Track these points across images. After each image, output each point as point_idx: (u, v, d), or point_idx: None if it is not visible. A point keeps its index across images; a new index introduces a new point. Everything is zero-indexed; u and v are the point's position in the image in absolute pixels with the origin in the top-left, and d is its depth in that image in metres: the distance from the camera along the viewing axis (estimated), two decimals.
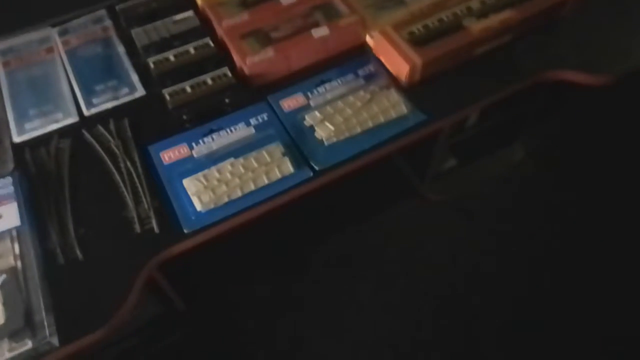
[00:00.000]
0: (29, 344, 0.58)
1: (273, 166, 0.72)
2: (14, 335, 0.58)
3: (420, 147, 1.16)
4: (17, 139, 0.76)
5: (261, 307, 1.11)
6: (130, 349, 1.00)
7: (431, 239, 1.19)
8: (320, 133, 0.75)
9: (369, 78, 0.81)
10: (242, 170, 0.72)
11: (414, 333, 1.07)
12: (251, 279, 1.15)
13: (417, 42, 0.79)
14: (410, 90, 0.79)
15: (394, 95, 0.78)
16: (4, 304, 0.59)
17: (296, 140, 0.76)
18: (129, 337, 1.00)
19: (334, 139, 0.75)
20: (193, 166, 0.73)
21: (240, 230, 0.92)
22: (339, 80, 0.81)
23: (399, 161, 1.30)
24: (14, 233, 0.65)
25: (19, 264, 0.63)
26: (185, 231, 0.68)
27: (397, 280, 1.14)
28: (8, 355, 0.57)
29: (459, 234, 1.20)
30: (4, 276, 0.61)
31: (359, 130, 0.75)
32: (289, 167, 0.72)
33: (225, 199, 0.70)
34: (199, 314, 1.11)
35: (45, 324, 0.59)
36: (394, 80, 0.80)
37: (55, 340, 0.59)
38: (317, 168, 0.73)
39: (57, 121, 0.77)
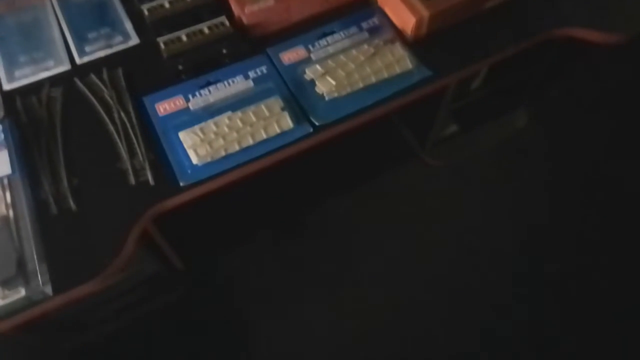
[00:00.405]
0: (22, 292, 0.57)
1: (272, 121, 0.70)
2: (7, 283, 0.57)
3: (421, 111, 1.15)
4: (6, 86, 0.73)
5: (259, 266, 1.11)
6: (127, 306, 1.01)
7: (429, 203, 1.19)
8: (321, 88, 0.73)
9: (373, 31, 0.78)
10: (240, 124, 0.70)
11: (411, 294, 1.07)
12: (249, 238, 1.14)
13: None
14: (416, 45, 0.76)
15: (399, 50, 0.75)
16: None
17: (296, 95, 0.73)
18: (126, 295, 1.00)
19: (335, 94, 0.72)
20: (189, 119, 0.71)
21: (237, 188, 0.91)
22: (341, 33, 0.78)
23: (400, 125, 1.28)
24: (5, 181, 0.64)
25: (10, 212, 0.62)
26: (181, 184, 0.66)
27: (393, 243, 1.13)
28: (1, 302, 0.57)
29: (457, 199, 1.19)
30: None
31: (361, 85, 0.73)
32: (288, 122, 0.70)
33: (223, 153, 0.68)
34: (197, 273, 1.11)
35: (39, 272, 0.59)
36: (399, 34, 0.77)
37: (48, 289, 0.58)
38: (317, 123, 0.71)
39: (48, 69, 0.74)
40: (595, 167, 1.23)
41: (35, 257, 0.59)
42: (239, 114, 0.70)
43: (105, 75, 0.74)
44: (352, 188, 1.19)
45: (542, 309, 1.06)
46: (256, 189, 1.12)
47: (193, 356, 1.01)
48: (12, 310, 0.58)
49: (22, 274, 0.58)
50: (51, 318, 0.92)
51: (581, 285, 1.08)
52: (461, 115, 1.17)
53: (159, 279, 1.05)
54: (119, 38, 0.77)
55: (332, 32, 0.78)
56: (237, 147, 0.69)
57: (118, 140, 0.69)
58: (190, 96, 0.72)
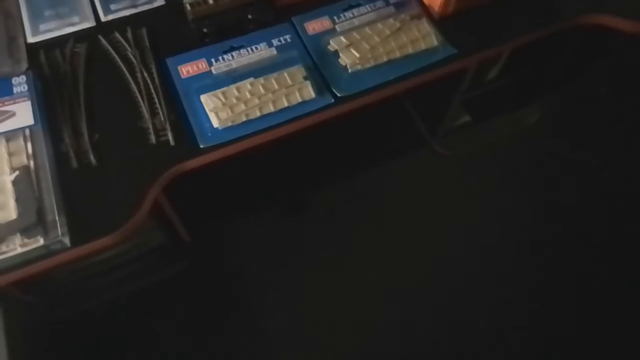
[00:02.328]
0: (40, 241, 0.57)
1: (294, 89, 0.70)
2: (26, 230, 0.57)
3: (435, 99, 1.15)
4: (31, 39, 0.73)
5: (264, 243, 1.11)
6: (131, 275, 1.01)
7: (436, 191, 1.18)
8: (344, 59, 0.73)
9: (400, 6, 0.77)
10: (262, 90, 0.70)
11: (413, 281, 1.08)
12: (256, 214, 1.15)
13: None
14: (442, 22, 0.76)
15: (425, 26, 0.75)
16: (17, 200, 0.58)
17: (319, 65, 0.73)
18: (131, 264, 1.00)
19: (359, 67, 0.72)
20: (211, 82, 0.71)
21: (250, 161, 0.91)
22: (367, 6, 0.77)
23: (413, 113, 1.27)
24: (27, 132, 0.64)
25: (31, 163, 0.62)
26: (202, 146, 0.66)
27: (397, 229, 1.13)
28: (20, 250, 0.57)
29: (465, 190, 1.19)
30: (17, 173, 0.60)
31: (385, 59, 0.73)
32: (310, 92, 0.70)
33: (243, 118, 0.68)
34: (202, 245, 1.11)
35: (58, 223, 0.59)
36: (425, 10, 0.77)
37: (67, 240, 0.59)
38: (338, 95, 0.71)
39: (73, 24, 0.74)
40: (605, 167, 1.22)
41: (54, 208, 0.60)
42: (261, 80, 0.70)
43: (129, 34, 0.74)
44: (361, 171, 1.19)
45: (545, 301, 1.07)
46: (267, 163, 1.13)
47: (195, 327, 1.02)
48: (30, 258, 0.58)
49: (41, 223, 0.59)
50: (54, 281, 0.93)
51: (585, 281, 1.09)
52: (474, 106, 1.16)
53: (164, 251, 1.06)
54: None
55: (358, 5, 0.77)
56: (258, 113, 0.69)
57: (140, 99, 0.69)
58: (213, 60, 0.72)
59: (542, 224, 1.16)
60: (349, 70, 0.72)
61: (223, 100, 0.69)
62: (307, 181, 1.20)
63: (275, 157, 1.11)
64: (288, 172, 1.18)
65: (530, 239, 1.13)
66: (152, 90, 0.69)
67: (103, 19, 0.75)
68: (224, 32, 0.74)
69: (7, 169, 0.61)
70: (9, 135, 0.63)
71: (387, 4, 0.78)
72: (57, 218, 0.59)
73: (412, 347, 1.01)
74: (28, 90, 0.66)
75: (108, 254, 0.94)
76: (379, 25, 0.75)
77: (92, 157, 0.64)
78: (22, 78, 0.67)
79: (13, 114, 0.64)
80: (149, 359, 0.99)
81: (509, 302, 1.06)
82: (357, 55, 0.72)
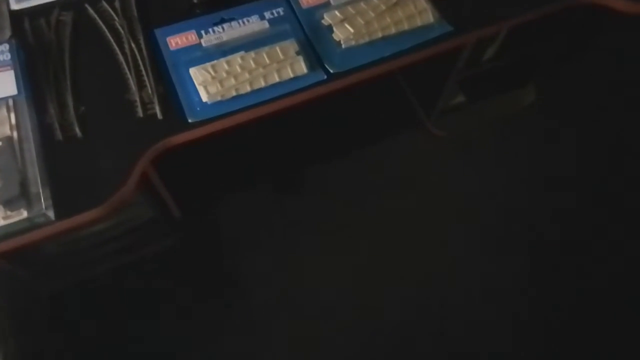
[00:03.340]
0: (24, 214, 0.57)
1: (285, 64, 0.68)
2: (9, 203, 0.56)
3: (430, 79, 1.13)
4: (15, 6, 0.71)
5: (256, 217, 1.11)
6: (120, 250, 1.01)
7: (429, 171, 1.18)
8: (338, 34, 0.71)
9: None
10: (252, 64, 0.68)
11: (407, 254, 1.08)
12: (248, 188, 1.14)
13: None
14: None
15: (422, 2, 0.73)
16: None
17: (312, 40, 0.71)
18: (120, 239, 0.99)
19: (352, 42, 0.71)
20: (201, 55, 0.69)
21: (241, 136, 0.89)
22: None
23: (407, 92, 1.26)
24: (10, 102, 0.62)
25: (15, 134, 0.61)
26: (190, 121, 0.65)
27: (390, 208, 1.13)
28: (3, 222, 0.56)
29: (458, 170, 1.19)
30: None
31: (379, 35, 0.71)
32: (302, 67, 0.68)
33: (233, 93, 0.67)
34: (193, 220, 1.10)
35: (42, 196, 0.58)
36: None
37: (51, 214, 0.58)
38: (331, 71, 0.69)
39: None
40: (603, 147, 1.22)
41: (38, 180, 0.59)
42: (252, 54, 0.69)
43: (117, 3, 0.71)
44: (355, 149, 1.18)
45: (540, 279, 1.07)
46: (259, 139, 1.12)
47: (185, 303, 1.02)
48: (13, 231, 0.57)
49: (25, 196, 0.58)
50: (43, 254, 0.92)
51: (586, 263, 1.09)
52: (470, 86, 1.15)
53: (155, 225, 1.05)
54: None
55: None
56: (248, 88, 0.67)
57: (127, 71, 0.67)
58: (203, 32, 0.70)
59: (539, 206, 1.15)
60: (343, 46, 0.71)
61: (212, 74, 0.67)
62: (299, 159, 1.19)
63: (266, 134, 1.10)
64: (280, 149, 1.17)
65: (526, 220, 1.13)
66: (140, 62, 0.68)
67: None
68: (214, 2, 0.72)
69: None
70: None
71: None
72: (41, 191, 0.58)
73: (408, 327, 1.02)
74: (11, 59, 0.64)
75: (98, 228, 0.93)
76: None
77: (77, 130, 0.63)
78: (5, 46, 0.65)
79: None
80: (135, 334, 0.99)
81: (504, 285, 1.07)
82: (352, 30, 0.71)
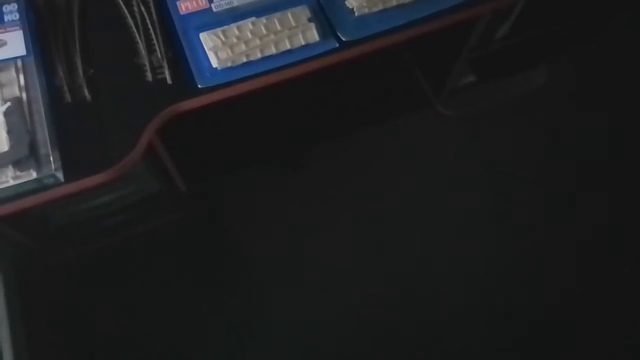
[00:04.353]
0: (33, 174, 0.56)
1: (297, 31, 0.67)
2: (19, 163, 0.56)
3: (440, 57, 1.11)
4: None
5: (260, 195, 1.10)
6: (128, 221, 1.01)
7: (436, 153, 1.16)
8: (351, 2, 0.69)
9: None
10: (263, 31, 0.67)
11: (405, 236, 1.07)
12: (254, 166, 1.13)
13: None
14: None
15: None
16: (9, 132, 0.57)
17: (324, 7, 0.70)
18: (128, 209, 1.00)
19: (366, 10, 0.69)
20: (211, 20, 0.68)
21: (249, 109, 0.89)
22: None
23: (416, 71, 1.24)
24: (19, 63, 0.62)
25: (24, 95, 0.60)
26: (199, 86, 0.64)
27: (395, 188, 1.12)
28: (12, 182, 0.56)
29: (465, 152, 1.17)
30: (8, 104, 0.58)
31: (394, 3, 0.69)
32: (314, 35, 0.67)
33: (244, 59, 0.66)
34: (198, 195, 1.10)
35: (51, 158, 0.58)
36: None
37: (60, 175, 0.58)
38: (344, 39, 0.68)
39: None
40: (616, 130, 1.20)
41: (48, 142, 0.58)
42: (263, 20, 0.67)
43: None
44: (361, 128, 1.17)
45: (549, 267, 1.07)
46: (266, 114, 1.11)
47: (189, 276, 1.03)
48: (23, 191, 0.57)
49: (34, 157, 0.57)
50: (50, 224, 0.93)
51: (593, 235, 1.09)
52: (480, 65, 1.13)
53: (160, 198, 1.05)
54: None
55: None
56: (259, 55, 0.66)
57: (137, 35, 0.66)
58: None
59: (548, 192, 1.14)
60: (356, 14, 0.69)
61: (223, 39, 0.66)
62: (305, 137, 1.18)
63: (274, 110, 1.09)
64: (287, 125, 1.16)
65: (533, 204, 1.12)
66: (150, 26, 0.67)
67: None
68: None
69: None
70: (0, 66, 0.61)
71: None
72: (50, 152, 0.58)
73: (409, 299, 1.02)
74: (20, 19, 0.63)
75: (104, 199, 0.94)
76: None
77: (86, 93, 0.62)
78: (14, 6, 0.64)
79: (4, 43, 0.61)
80: (139, 304, 1.00)
81: (505, 271, 1.06)
82: None
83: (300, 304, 1.01)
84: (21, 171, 0.56)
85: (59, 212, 0.90)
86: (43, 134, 0.59)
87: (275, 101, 0.90)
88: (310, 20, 0.68)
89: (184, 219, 1.08)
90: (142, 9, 0.67)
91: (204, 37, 0.66)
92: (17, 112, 0.58)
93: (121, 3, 0.68)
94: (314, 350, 0.99)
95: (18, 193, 0.57)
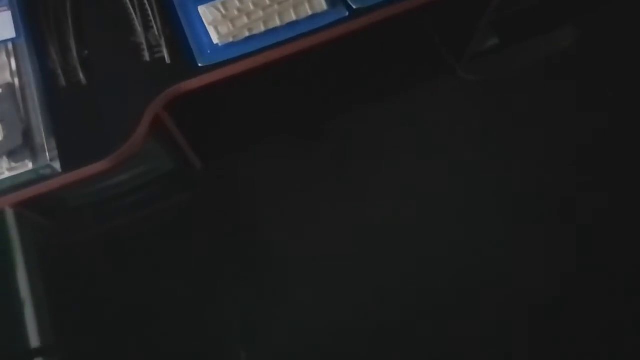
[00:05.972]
0: (29, 165, 0.54)
1: (303, 0, 0.62)
2: (13, 154, 0.54)
3: (463, 19, 1.04)
4: None
5: (275, 171, 1.07)
6: (145, 199, 1.00)
7: (459, 120, 1.10)
8: None
9: None
10: (266, 1, 0.62)
11: (423, 208, 1.03)
12: (269, 142, 1.10)
13: None
14: None
15: None
16: (1, 121, 0.54)
17: None
18: (145, 188, 0.98)
19: None
20: None
21: (258, 83, 0.84)
22: None
23: (435, 35, 1.17)
24: (10, 46, 0.58)
25: (16, 80, 0.57)
26: (200, 65, 0.60)
27: (413, 158, 1.07)
28: (8, 174, 0.54)
29: (488, 119, 1.11)
30: None
31: None
32: (321, 3, 0.62)
33: (246, 33, 0.61)
34: (213, 172, 1.08)
35: (46, 147, 0.55)
36: None
37: (57, 165, 0.55)
38: (354, 7, 0.63)
39: None
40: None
41: (42, 130, 0.56)
42: None
43: None
44: (378, 98, 1.11)
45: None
46: (279, 86, 1.06)
47: (204, 253, 1.01)
48: (20, 183, 0.55)
49: (29, 146, 0.55)
50: (65, 205, 0.92)
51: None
52: (504, 27, 1.06)
53: (175, 177, 1.03)
54: None
55: None
56: (262, 28, 0.61)
57: (132, 11, 0.62)
58: None
59: (571, 162, 1.08)
60: None
61: (223, 12, 0.61)
62: (321, 107, 1.13)
63: (288, 81, 1.04)
64: (301, 97, 1.12)
65: (554, 178, 1.06)
66: (145, 1, 0.62)
67: None
68: None
69: None
70: None
71: None
72: (45, 141, 0.55)
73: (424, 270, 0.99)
74: None
75: (119, 178, 0.93)
76: None
77: (81, 75, 0.59)
78: None
79: None
80: (155, 281, 1.00)
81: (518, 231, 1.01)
82: None
83: (313, 274, 0.99)
84: (16, 162, 0.54)
85: (75, 193, 0.89)
86: (37, 122, 0.56)
87: (289, 70, 0.85)
88: None
89: (199, 194, 1.06)
90: None
91: (203, 10, 0.62)
92: (9, 99, 0.55)
93: None
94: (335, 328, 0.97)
95: (15, 185, 0.55)
